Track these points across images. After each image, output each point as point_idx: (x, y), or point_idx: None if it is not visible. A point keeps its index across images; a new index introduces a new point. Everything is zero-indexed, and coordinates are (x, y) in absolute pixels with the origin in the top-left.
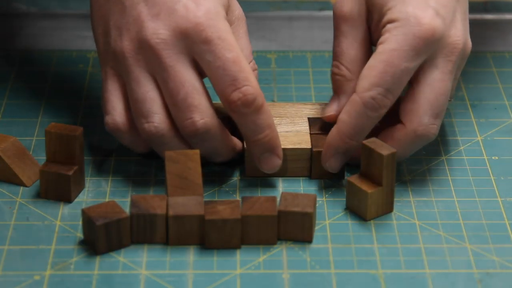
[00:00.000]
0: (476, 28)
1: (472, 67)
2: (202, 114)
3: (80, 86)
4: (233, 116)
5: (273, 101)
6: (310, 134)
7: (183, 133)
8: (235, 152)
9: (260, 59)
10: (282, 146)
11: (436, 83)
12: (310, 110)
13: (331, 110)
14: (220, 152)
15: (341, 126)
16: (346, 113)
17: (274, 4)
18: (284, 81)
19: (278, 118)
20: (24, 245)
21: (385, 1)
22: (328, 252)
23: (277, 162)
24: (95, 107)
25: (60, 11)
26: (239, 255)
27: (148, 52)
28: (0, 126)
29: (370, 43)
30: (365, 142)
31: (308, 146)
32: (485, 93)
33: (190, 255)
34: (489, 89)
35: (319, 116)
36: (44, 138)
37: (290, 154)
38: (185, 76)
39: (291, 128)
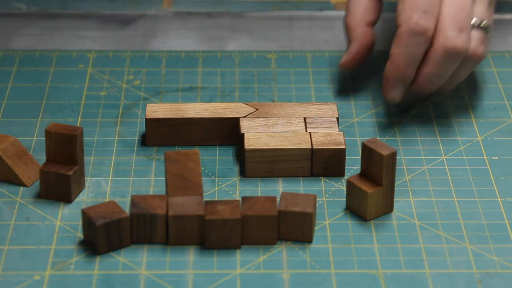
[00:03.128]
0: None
1: None
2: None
3: (80, 86)
4: None
5: (273, 101)
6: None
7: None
8: None
9: (260, 59)
10: (282, 147)
11: (455, 1)
12: (309, 110)
13: (343, 59)
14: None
15: (394, 58)
16: (396, 46)
17: (274, 4)
18: (284, 81)
19: (274, 118)
20: (24, 245)
21: None
22: (328, 252)
23: None
24: (95, 107)
25: (60, 11)
26: (239, 255)
27: None
28: (0, 126)
29: None
30: (365, 142)
31: (308, 146)
32: (485, 93)
33: (190, 255)
34: (489, 89)
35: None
36: (44, 138)
37: (290, 154)
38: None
39: (287, 128)
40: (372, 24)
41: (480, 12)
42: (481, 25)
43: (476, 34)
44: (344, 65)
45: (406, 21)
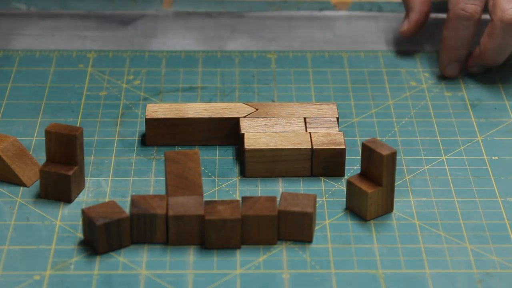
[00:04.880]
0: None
1: None
2: None
3: (80, 86)
4: None
5: (273, 101)
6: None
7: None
8: None
9: (260, 59)
10: (282, 147)
11: None
12: (309, 110)
13: (404, 27)
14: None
15: (445, 41)
16: (446, 29)
17: (274, 4)
18: (284, 81)
19: (274, 118)
20: (24, 245)
21: None
22: (328, 252)
23: None
24: (95, 107)
25: (60, 11)
26: (239, 255)
27: None
28: (0, 126)
29: None
30: (365, 142)
31: (308, 146)
32: (485, 93)
33: (190, 255)
34: (489, 89)
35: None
36: (44, 138)
37: (290, 154)
38: None
39: (287, 128)
40: None
41: None
42: None
43: None
44: (405, 33)
45: (453, 7)
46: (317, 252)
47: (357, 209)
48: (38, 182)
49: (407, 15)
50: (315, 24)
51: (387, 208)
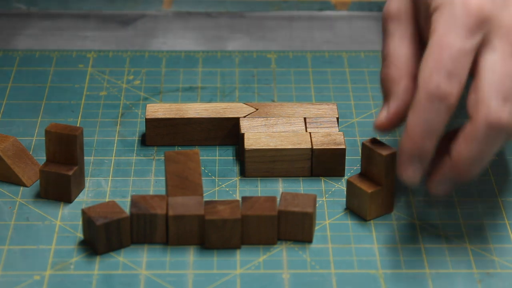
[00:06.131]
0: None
1: None
2: None
3: (80, 86)
4: None
5: (273, 101)
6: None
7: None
8: None
9: (260, 59)
10: (282, 147)
11: (498, 66)
12: (309, 110)
13: (380, 119)
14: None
15: (409, 128)
16: (412, 113)
17: (274, 4)
18: (284, 81)
19: (274, 118)
20: (24, 245)
21: None
22: (328, 252)
23: None
24: (95, 107)
25: (60, 11)
26: (239, 255)
27: None
28: (0, 126)
29: (421, 41)
30: (365, 142)
31: (308, 146)
32: None
33: (190, 255)
34: None
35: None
36: (44, 138)
37: (290, 154)
38: None
39: (287, 128)
40: (416, 76)
41: None
42: None
43: None
44: (382, 126)
45: (425, 83)
46: (317, 252)
47: (357, 209)
48: (38, 182)
49: (386, 102)
50: (315, 24)
51: (387, 208)
